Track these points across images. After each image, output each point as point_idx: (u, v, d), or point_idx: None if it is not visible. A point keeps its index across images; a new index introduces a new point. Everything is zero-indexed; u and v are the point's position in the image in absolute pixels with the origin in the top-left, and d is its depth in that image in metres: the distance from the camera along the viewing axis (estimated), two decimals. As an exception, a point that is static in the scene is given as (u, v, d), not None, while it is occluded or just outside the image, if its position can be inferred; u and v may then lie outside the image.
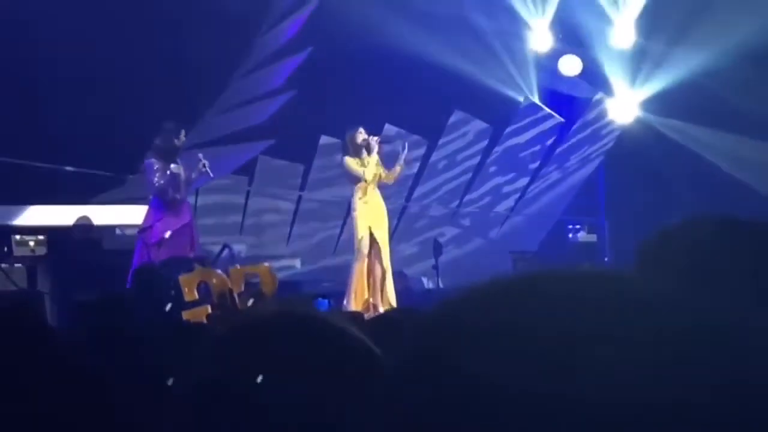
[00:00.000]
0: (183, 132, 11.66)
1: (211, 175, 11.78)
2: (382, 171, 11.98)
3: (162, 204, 11.45)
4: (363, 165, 11.81)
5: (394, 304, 11.65)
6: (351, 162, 11.85)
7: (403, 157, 12.08)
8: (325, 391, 1.27)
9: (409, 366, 0.87)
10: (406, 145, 12.38)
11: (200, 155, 11.67)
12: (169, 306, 8.24)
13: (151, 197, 11.61)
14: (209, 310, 5.46)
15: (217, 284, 5.60)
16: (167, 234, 11.34)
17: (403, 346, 0.88)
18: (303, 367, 1.29)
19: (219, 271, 5.93)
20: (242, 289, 5.70)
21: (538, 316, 0.83)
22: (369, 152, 11.85)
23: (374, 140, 11.90)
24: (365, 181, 11.84)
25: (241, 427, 1.27)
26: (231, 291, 5.54)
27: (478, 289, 0.89)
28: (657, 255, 1.31)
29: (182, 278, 6.01)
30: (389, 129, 15.45)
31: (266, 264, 6.08)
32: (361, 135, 11.87)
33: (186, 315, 5.38)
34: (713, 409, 0.79)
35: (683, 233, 1.34)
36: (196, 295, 5.78)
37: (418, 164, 16.30)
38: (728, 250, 1.27)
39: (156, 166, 11.43)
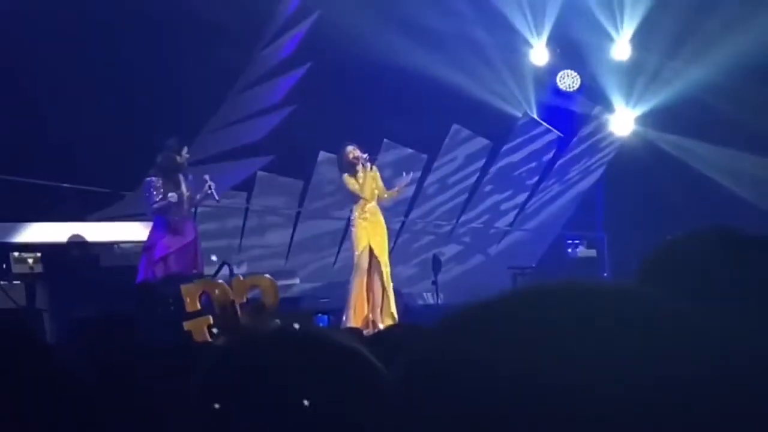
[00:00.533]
0: (185, 149, 11.59)
1: (217, 198, 11.71)
2: (380, 188, 11.98)
3: (166, 222, 11.41)
4: (360, 181, 11.82)
5: (396, 318, 11.63)
6: (349, 179, 11.86)
7: (404, 183, 12.07)
8: (327, 406, 1.26)
9: (413, 381, 0.86)
10: (411, 174, 12.38)
11: (207, 177, 11.57)
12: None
13: (154, 215, 11.55)
14: (210, 321, 5.46)
15: (219, 295, 5.58)
16: (170, 252, 11.33)
17: (408, 360, 0.87)
18: (304, 382, 1.28)
19: (222, 282, 5.90)
20: (244, 300, 5.69)
21: (540, 330, 0.83)
22: (364, 168, 11.85)
23: (365, 157, 11.88)
24: (364, 198, 11.84)
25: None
26: (233, 302, 5.53)
27: (481, 304, 0.88)
28: (660, 268, 1.30)
29: (184, 288, 6.00)
30: (388, 145, 15.47)
31: (268, 276, 6.05)
32: (352, 153, 11.87)
33: (187, 325, 5.37)
34: (717, 418, 0.78)
35: (687, 246, 1.33)
36: (198, 306, 5.77)
37: (416, 181, 16.29)
38: (733, 263, 1.27)
39: (156, 185, 11.37)
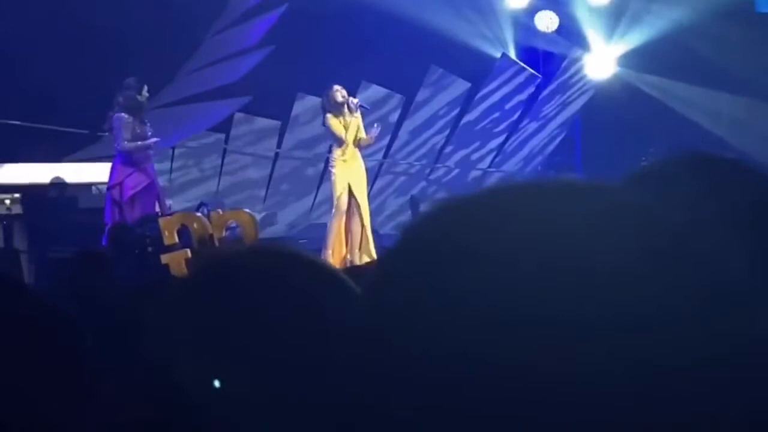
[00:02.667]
0: (145, 88, 11.57)
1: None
2: (362, 133, 11.88)
3: (128, 160, 11.38)
4: (344, 125, 11.72)
5: (375, 258, 11.62)
6: (333, 121, 11.73)
7: (373, 133, 11.94)
8: (293, 319, 1.26)
9: (379, 290, 0.84)
10: (380, 126, 12.25)
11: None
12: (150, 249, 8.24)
13: (116, 154, 11.53)
14: (189, 254, 5.44)
15: (198, 229, 5.56)
16: (136, 191, 11.30)
17: (374, 272, 0.86)
18: (272, 297, 1.28)
19: (200, 215, 5.88)
20: (223, 234, 5.69)
21: (516, 234, 0.80)
22: (350, 111, 11.74)
23: (353, 101, 11.79)
24: (346, 141, 11.76)
25: (213, 364, 1.26)
26: (212, 236, 5.52)
27: (443, 211, 0.86)
28: (639, 186, 1.29)
29: (163, 221, 5.98)
30: (366, 86, 15.41)
31: (248, 211, 6.04)
32: (340, 93, 11.76)
33: (165, 259, 5.37)
34: (693, 325, 0.78)
35: (663, 169, 1.32)
36: (176, 239, 5.76)
37: (394, 123, 16.26)
38: (706, 185, 1.27)
39: (127, 121, 11.37)
